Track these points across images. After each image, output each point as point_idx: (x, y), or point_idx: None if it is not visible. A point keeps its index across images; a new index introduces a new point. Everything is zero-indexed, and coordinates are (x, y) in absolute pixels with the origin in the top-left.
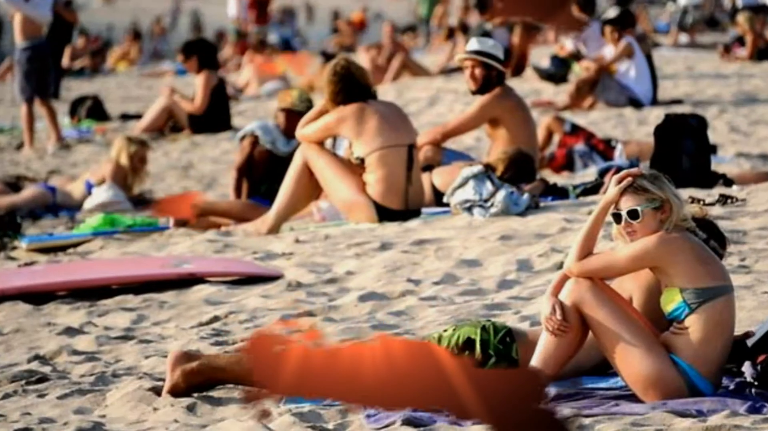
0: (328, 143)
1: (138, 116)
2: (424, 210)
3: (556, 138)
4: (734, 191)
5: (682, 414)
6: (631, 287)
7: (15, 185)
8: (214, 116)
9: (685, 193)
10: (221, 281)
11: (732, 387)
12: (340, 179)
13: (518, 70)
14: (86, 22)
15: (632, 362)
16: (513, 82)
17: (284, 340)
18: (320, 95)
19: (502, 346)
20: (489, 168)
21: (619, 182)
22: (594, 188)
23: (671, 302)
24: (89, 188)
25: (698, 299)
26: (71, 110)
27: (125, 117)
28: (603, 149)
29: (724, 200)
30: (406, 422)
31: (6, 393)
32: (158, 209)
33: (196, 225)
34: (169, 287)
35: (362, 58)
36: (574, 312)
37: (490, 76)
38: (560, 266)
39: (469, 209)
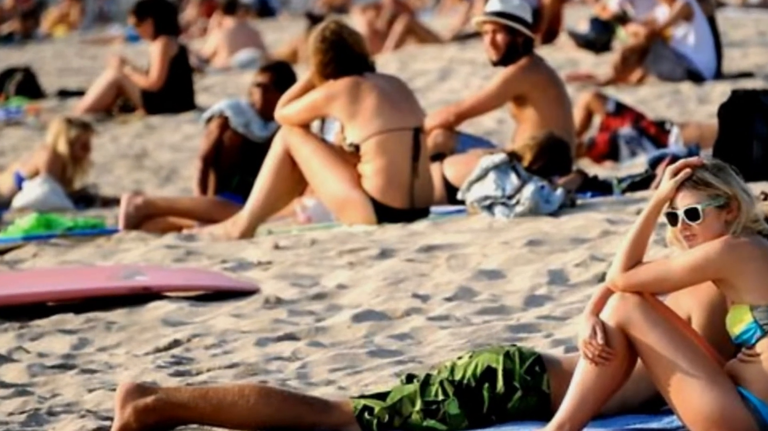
0: (315, 126)
1: (80, 93)
2: (433, 209)
3: (597, 120)
4: None
5: None
6: (689, 304)
7: None
8: (174, 93)
9: (756, 188)
10: (183, 297)
11: None
12: (329, 170)
13: (550, 36)
14: None
15: (691, 396)
16: (544, 51)
17: None
18: (305, 67)
19: (529, 377)
20: (514, 157)
21: (675, 174)
22: (643, 182)
23: (739, 322)
24: (19, 181)
25: None
26: None
27: (64, 94)
28: (655, 133)
29: None
30: None
31: None
32: None
33: (151, 227)
34: (119, 304)
35: (357, 22)
36: (619, 335)
37: (515, 44)
38: (602, 278)
39: (490, 208)
